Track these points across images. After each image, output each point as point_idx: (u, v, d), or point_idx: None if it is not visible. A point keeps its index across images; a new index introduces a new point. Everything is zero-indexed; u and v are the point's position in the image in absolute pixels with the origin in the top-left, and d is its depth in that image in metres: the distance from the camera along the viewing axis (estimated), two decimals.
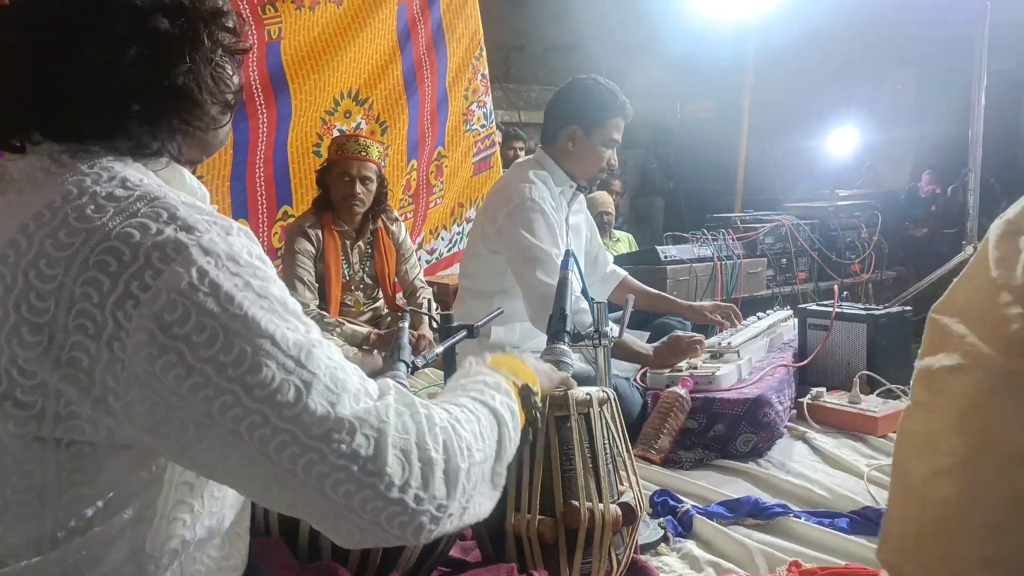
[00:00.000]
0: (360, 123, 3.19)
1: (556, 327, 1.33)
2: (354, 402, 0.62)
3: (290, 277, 2.62)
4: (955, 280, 0.58)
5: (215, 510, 0.76)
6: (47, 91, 0.67)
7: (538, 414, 0.89)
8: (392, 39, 3.21)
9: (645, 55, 6.73)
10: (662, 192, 7.39)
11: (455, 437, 0.66)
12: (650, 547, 1.36)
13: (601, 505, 1.12)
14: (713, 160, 6.78)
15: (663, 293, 2.47)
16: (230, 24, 0.74)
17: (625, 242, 4.86)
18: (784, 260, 3.86)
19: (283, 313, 0.63)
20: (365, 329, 2.66)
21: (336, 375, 0.63)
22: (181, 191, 0.73)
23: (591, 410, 1.18)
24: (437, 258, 3.70)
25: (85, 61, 0.66)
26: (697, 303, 2.41)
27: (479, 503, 0.69)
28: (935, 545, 0.52)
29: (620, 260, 3.66)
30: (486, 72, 3.70)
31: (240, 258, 0.63)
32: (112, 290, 0.59)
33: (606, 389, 1.24)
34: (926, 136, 6.86)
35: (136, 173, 0.67)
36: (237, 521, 0.81)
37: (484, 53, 3.67)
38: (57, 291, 0.60)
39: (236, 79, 0.76)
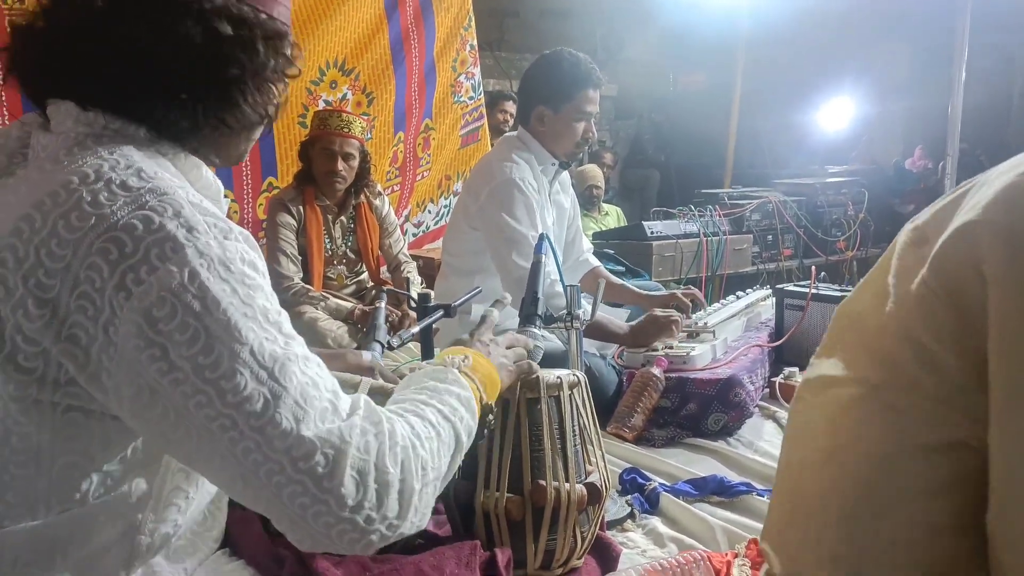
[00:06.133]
0: (346, 93, 3.16)
1: (528, 310, 1.35)
2: (320, 421, 0.64)
3: (273, 250, 2.63)
4: (863, 279, 0.56)
5: (206, 491, 0.80)
6: (113, 65, 0.71)
7: (486, 429, 0.93)
8: (379, 7, 3.17)
9: (640, 23, 6.64)
10: (655, 164, 7.35)
11: (413, 457, 0.69)
12: (617, 523, 1.39)
13: (567, 485, 1.16)
14: (704, 134, 6.73)
15: (625, 284, 2.43)
16: (286, 49, 0.80)
17: (614, 216, 4.85)
18: (770, 237, 3.87)
19: (263, 323, 0.66)
20: (349, 304, 2.68)
21: (307, 391, 0.65)
22: (196, 183, 0.77)
23: (561, 393, 1.21)
24: (424, 231, 3.70)
25: (152, 49, 0.71)
26: (658, 293, 2.35)
27: (425, 515, 0.72)
28: (798, 538, 0.53)
29: (607, 235, 3.68)
30: (475, 43, 3.65)
31: (232, 263, 0.66)
32: (110, 278, 0.63)
33: (577, 372, 1.27)
34: (917, 110, 6.81)
35: (153, 165, 0.70)
36: (220, 495, 0.85)
37: (473, 23, 3.62)
38: (64, 271, 0.63)
39: (278, 98, 0.82)
